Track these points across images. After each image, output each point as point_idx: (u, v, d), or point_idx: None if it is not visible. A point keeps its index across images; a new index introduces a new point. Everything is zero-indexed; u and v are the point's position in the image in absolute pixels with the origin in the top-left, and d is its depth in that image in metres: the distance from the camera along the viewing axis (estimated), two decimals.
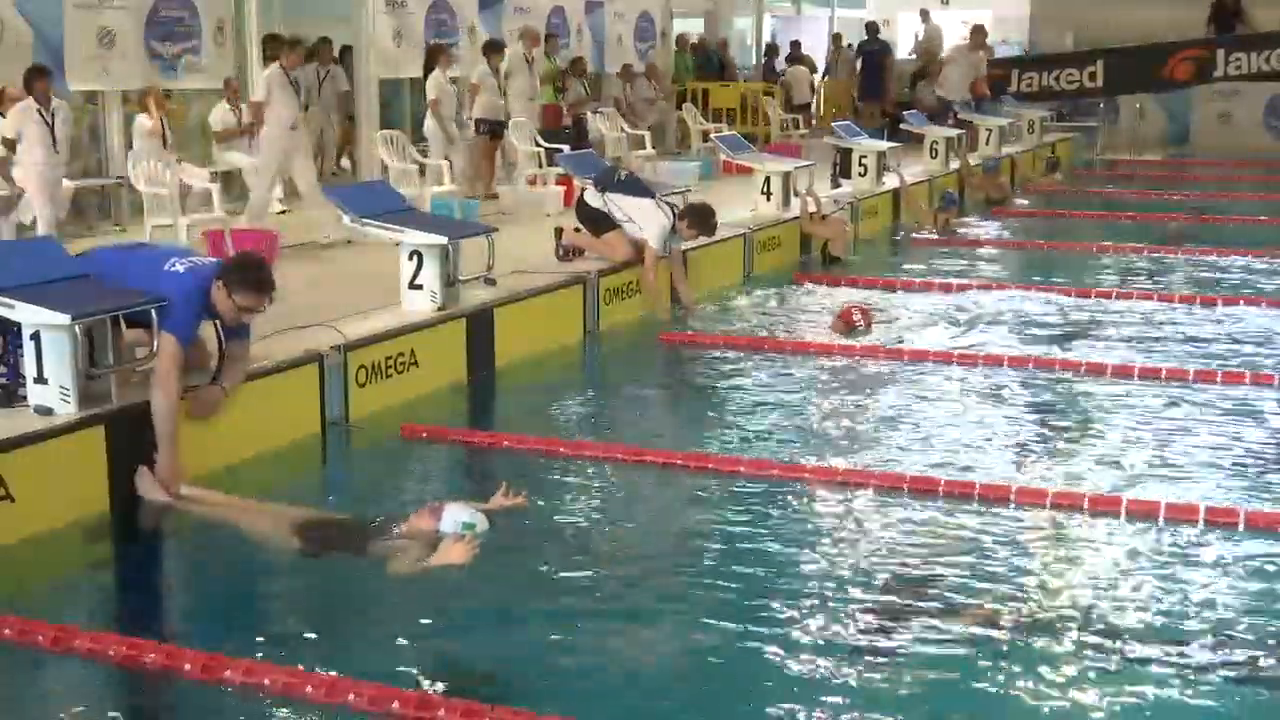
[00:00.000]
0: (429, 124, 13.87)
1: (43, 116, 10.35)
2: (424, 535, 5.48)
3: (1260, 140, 22.92)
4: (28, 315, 5.90)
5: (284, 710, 4.32)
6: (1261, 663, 4.69)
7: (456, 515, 5.56)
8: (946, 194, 15.46)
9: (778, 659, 4.68)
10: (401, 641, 4.81)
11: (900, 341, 9.31)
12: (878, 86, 23.56)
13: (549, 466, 6.71)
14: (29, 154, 10.36)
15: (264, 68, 14.13)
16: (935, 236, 14.12)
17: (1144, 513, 5.95)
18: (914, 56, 25.36)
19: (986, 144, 18.41)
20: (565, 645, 4.83)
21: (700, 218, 10.14)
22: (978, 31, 20.80)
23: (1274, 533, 5.79)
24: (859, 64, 24.68)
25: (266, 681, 4.42)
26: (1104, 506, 6.04)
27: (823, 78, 26.01)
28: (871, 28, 25.67)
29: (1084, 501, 6.10)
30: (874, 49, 24.49)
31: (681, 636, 4.94)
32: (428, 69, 14.06)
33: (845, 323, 9.48)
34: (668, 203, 10.25)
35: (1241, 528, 5.82)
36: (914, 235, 14.31)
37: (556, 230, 10.36)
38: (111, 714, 4.55)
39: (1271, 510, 6.01)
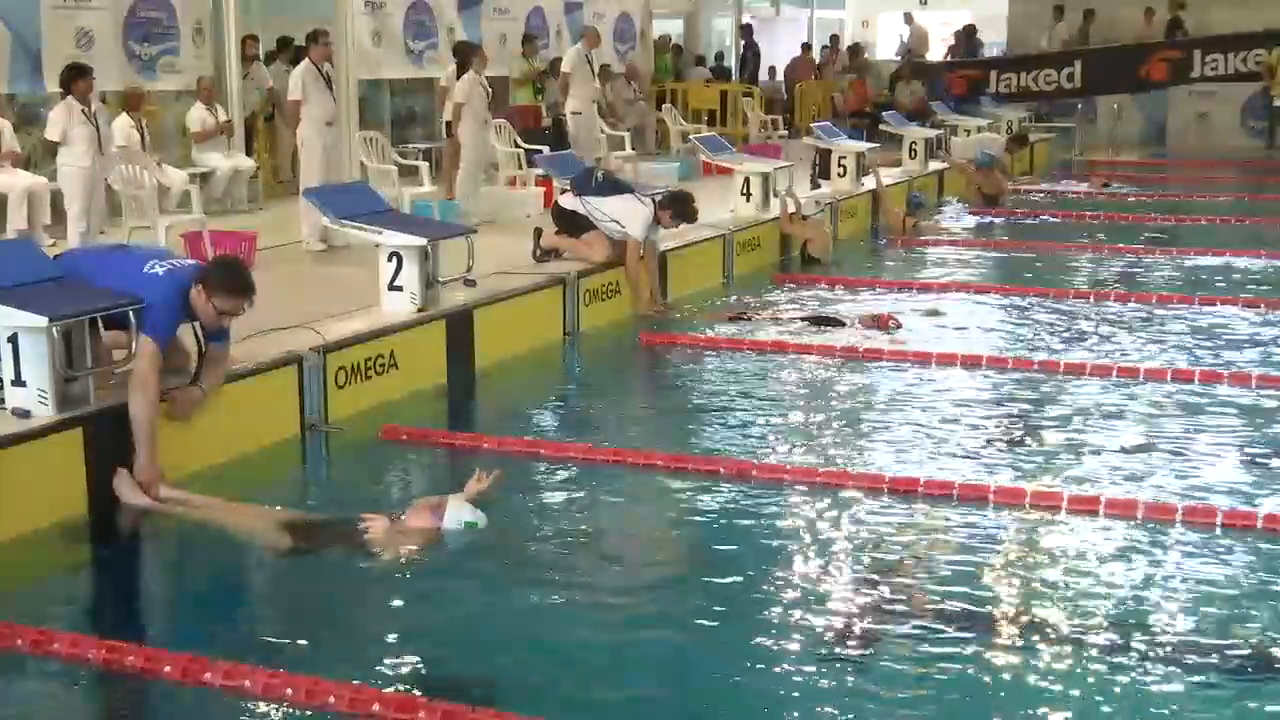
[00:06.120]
0: (463, 129, 12.94)
1: (87, 117, 10.03)
2: (424, 532, 5.50)
3: (1237, 140, 23.07)
4: (5, 317, 5.87)
5: (264, 712, 4.31)
6: (1249, 660, 4.71)
7: (459, 514, 5.59)
8: (913, 196, 15.51)
9: (762, 660, 4.69)
10: (382, 643, 4.81)
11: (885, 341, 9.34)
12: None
13: (530, 468, 6.71)
14: (74, 157, 10.00)
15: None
16: (907, 238, 14.18)
17: (1122, 512, 5.98)
18: (899, 58, 25.38)
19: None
20: (546, 647, 4.83)
21: (680, 205, 10.16)
22: None
23: (1251, 531, 5.82)
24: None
25: (247, 683, 4.41)
26: (1082, 506, 6.07)
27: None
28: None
29: (1062, 500, 6.12)
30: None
31: (664, 638, 4.93)
32: (461, 70, 13.24)
33: (879, 322, 9.60)
34: (648, 195, 10.28)
35: (1219, 527, 5.86)
36: (891, 237, 14.36)
37: (535, 231, 10.36)
38: (92, 717, 4.54)
39: (1248, 509, 6.04)
